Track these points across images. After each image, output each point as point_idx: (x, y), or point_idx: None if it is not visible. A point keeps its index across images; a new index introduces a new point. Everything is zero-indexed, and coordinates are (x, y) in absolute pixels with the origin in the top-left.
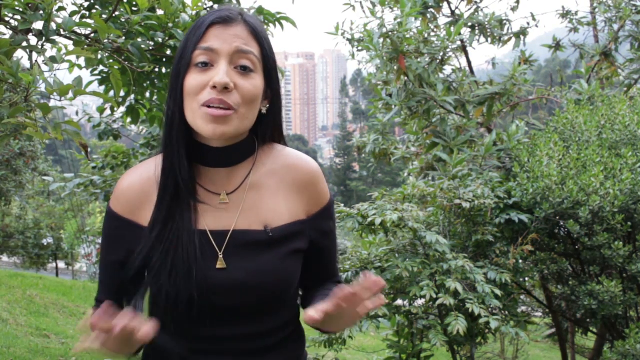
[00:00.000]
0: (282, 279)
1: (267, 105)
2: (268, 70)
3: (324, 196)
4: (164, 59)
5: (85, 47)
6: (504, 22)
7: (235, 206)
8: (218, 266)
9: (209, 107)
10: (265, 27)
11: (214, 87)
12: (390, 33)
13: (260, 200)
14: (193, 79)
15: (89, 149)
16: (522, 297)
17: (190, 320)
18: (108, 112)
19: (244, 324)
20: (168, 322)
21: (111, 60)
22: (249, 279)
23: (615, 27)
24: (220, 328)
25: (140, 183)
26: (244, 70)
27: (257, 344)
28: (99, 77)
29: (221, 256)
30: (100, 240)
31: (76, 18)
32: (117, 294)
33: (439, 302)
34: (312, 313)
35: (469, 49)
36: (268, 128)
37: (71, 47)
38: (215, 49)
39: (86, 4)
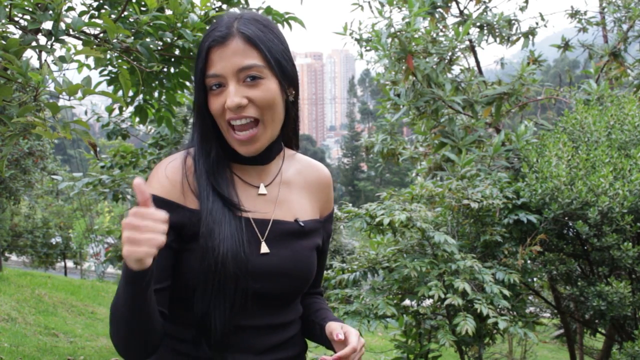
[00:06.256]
0: (311, 268)
1: (294, 92)
2: (278, 67)
3: (332, 201)
4: (173, 59)
5: (94, 46)
6: (513, 22)
7: (272, 198)
8: (262, 251)
9: (234, 129)
10: None
11: (228, 109)
12: (398, 33)
13: (290, 195)
14: (213, 103)
15: (98, 149)
16: (531, 297)
17: (220, 306)
18: (116, 111)
19: (270, 314)
20: (199, 309)
21: (120, 60)
22: (287, 265)
23: (625, 27)
24: (247, 317)
25: (185, 168)
26: (253, 80)
27: (276, 338)
28: (108, 77)
29: (263, 242)
30: (109, 240)
31: (85, 18)
32: (163, 278)
33: (447, 302)
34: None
35: (477, 48)
36: (289, 130)
37: (80, 47)
38: (220, 74)
39: (95, 4)
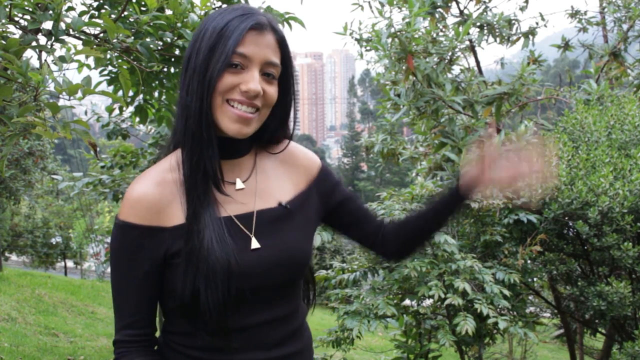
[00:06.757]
0: (305, 253)
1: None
2: (285, 77)
3: (313, 160)
4: (173, 59)
5: (94, 46)
6: (513, 21)
7: (251, 191)
8: (253, 247)
9: (233, 106)
10: None
11: (246, 91)
12: (398, 33)
13: (269, 181)
14: (225, 79)
15: (98, 148)
16: (531, 297)
17: (221, 310)
18: (117, 111)
19: (270, 308)
20: (198, 320)
21: (120, 60)
22: (280, 255)
23: (625, 27)
24: (249, 315)
25: (158, 187)
26: (268, 77)
27: (282, 331)
28: (108, 77)
29: (253, 238)
30: (109, 240)
31: (85, 18)
32: (148, 314)
33: (447, 302)
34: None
35: (477, 48)
36: (277, 124)
37: (80, 47)
38: (250, 56)
39: (95, 4)
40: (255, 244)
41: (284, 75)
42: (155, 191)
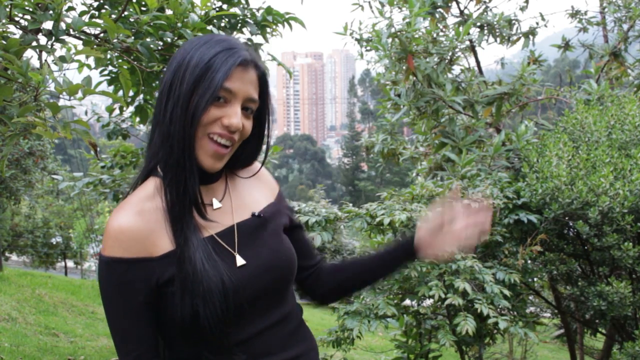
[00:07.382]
0: (289, 255)
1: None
2: (261, 111)
3: (274, 183)
4: None
5: (95, 46)
6: (513, 22)
7: (227, 209)
8: (239, 264)
9: (214, 140)
10: (274, 27)
11: (227, 126)
12: (398, 33)
13: (242, 197)
14: (210, 112)
15: (98, 148)
16: (531, 297)
17: (221, 327)
18: (117, 111)
19: (268, 314)
20: (200, 342)
21: (120, 60)
22: (268, 264)
23: (625, 27)
24: (247, 327)
25: (140, 216)
26: (247, 111)
27: (281, 333)
28: (108, 77)
29: (237, 255)
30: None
31: (85, 18)
32: (151, 343)
33: (447, 302)
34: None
35: (477, 48)
36: (248, 155)
37: (80, 47)
38: (235, 91)
39: (95, 4)
40: (240, 261)
41: (260, 109)
42: (138, 221)
